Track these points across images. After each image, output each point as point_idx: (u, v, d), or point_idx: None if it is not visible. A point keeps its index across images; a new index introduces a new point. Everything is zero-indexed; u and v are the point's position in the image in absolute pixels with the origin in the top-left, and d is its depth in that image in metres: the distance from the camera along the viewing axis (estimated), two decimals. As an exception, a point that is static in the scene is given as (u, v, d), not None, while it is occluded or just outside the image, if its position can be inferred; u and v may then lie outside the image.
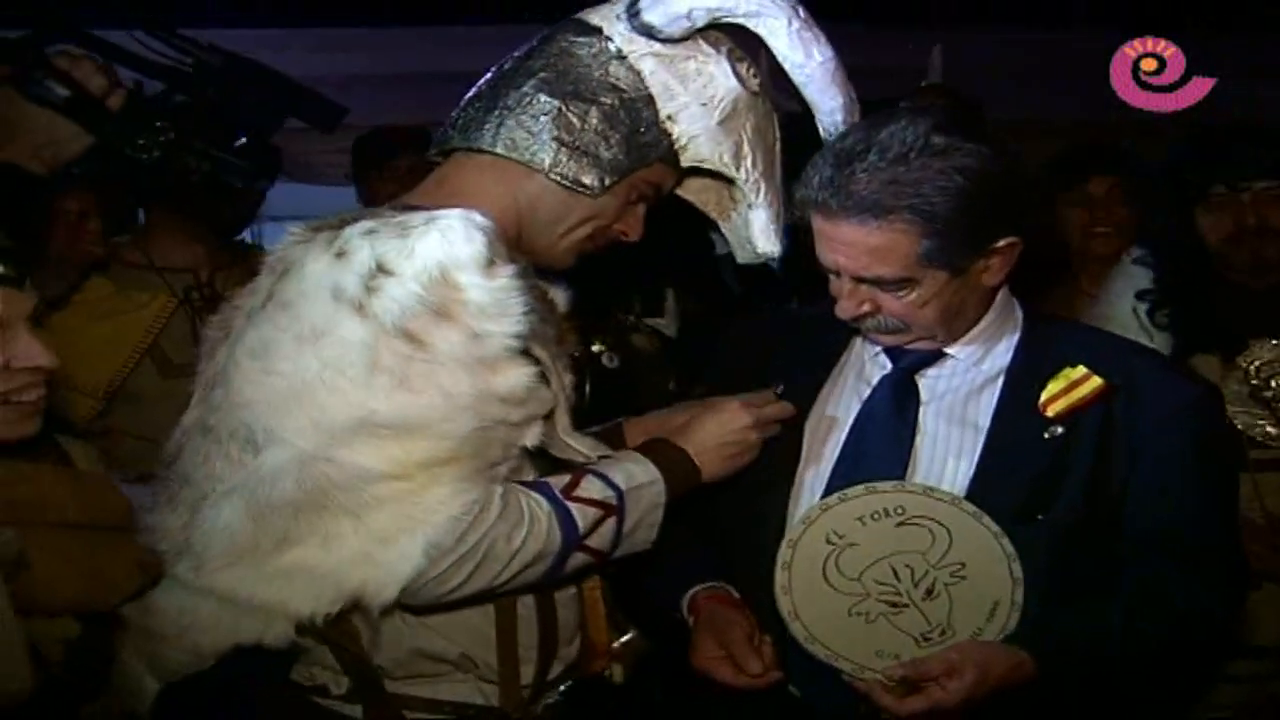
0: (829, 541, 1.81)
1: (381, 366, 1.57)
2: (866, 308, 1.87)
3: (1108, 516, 1.85)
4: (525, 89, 1.76)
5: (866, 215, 1.77)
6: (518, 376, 1.63)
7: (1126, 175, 3.19)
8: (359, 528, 1.60)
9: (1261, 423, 2.54)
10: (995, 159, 1.80)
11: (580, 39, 1.79)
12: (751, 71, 1.85)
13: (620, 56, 1.77)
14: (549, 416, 1.74)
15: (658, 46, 1.78)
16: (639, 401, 2.07)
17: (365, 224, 1.64)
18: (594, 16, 1.82)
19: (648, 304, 3.05)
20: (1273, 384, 2.54)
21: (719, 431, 1.88)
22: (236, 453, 1.65)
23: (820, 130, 1.89)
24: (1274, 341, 2.57)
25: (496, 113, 1.76)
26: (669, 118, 1.78)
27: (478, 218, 1.62)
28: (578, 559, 1.75)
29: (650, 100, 1.77)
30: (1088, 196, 3.21)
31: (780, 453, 1.93)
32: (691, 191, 1.95)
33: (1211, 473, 1.89)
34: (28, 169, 1.88)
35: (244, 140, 1.86)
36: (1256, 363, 2.55)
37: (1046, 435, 1.86)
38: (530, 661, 1.81)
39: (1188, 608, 1.83)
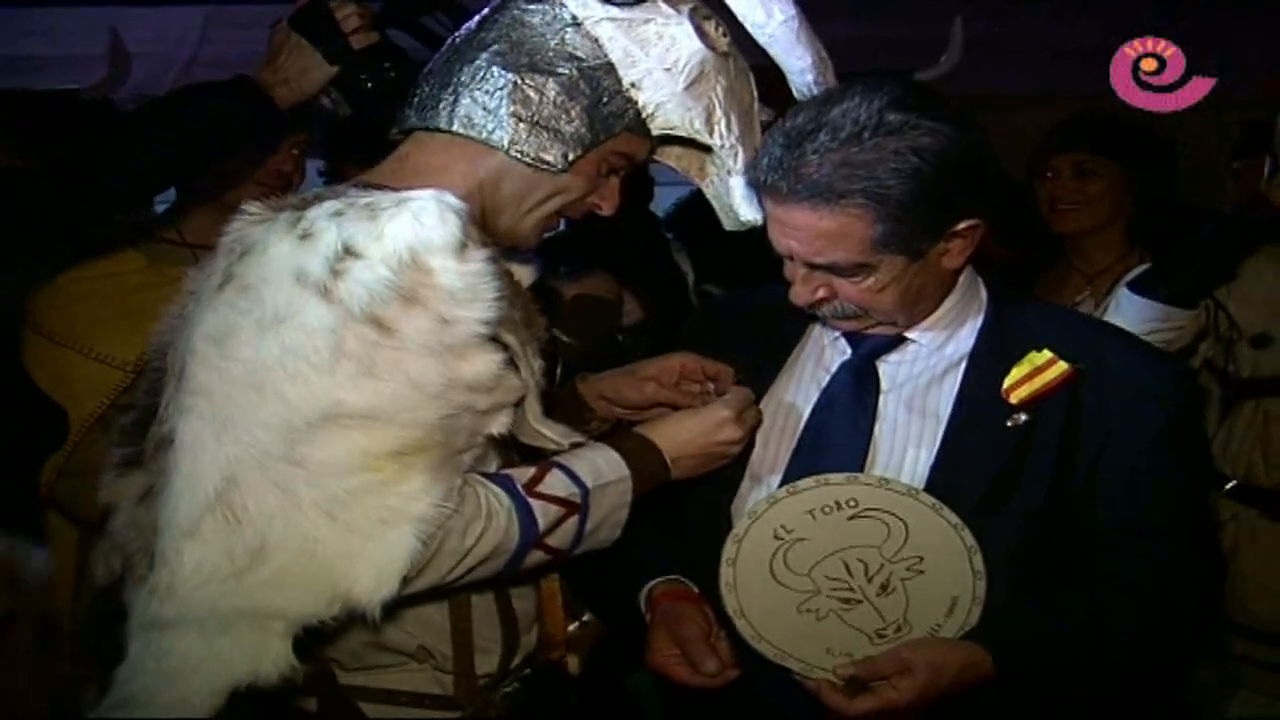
0: (776, 536, 1.75)
1: (347, 353, 1.49)
2: (822, 293, 1.79)
3: (1075, 506, 1.77)
4: (479, 63, 1.69)
5: (818, 199, 1.69)
6: (486, 363, 1.56)
7: (1111, 151, 3.10)
8: (335, 526, 1.51)
9: None
10: (955, 137, 1.70)
11: (533, 6, 1.71)
12: (720, 31, 1.76)
13: (575, 24, 1.69)
14: (518, 404, 1.68)
15: (614, 11, 1.70)
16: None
17: (331, 204, 1.57)
18: None
19: None
20: None
21: (703, 439, 1.80)
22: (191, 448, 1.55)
23: (794, 92, 1.81)
24: None
25: (451, 89, 1.69)
26: (633, 85, 1.70)
27: (451, 200, 1.55)
28: (535, 556, 1.68)
29: (611, 68, 1.69)
30: (1055, 172, 3.14)
31: None
32: (671, 158, 1.88)
33: (1183, 457, 1.80)
34: (271, 94, 2.15)
35: None
36: None
37: (1010, 423, 1.78)
38: (494, 653, 1.76)
39: (1159, 598, 1.76)
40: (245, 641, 1.52)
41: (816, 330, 1.94)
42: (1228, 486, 2.94)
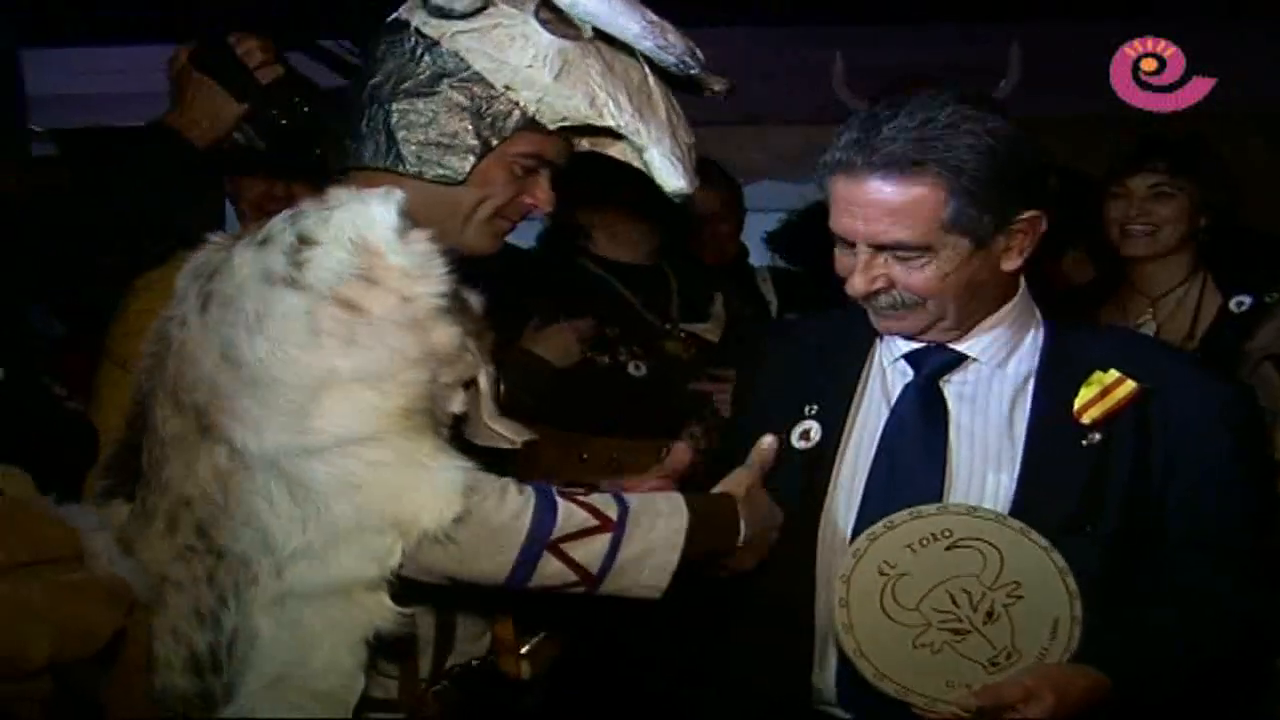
0: (881, 573, 1.73)
1: (324, 330, 1.59)
2: (880, 283, 1.79)
3: (1150, 523, 1.80)
4: (363, 100, 1.78)
5: (892, 169, 1.73)
6: (449, 335, 1.65)
7: (1191, 171, 2.96)
8: (380, 474, 1.59)
9: None
10: (1022, 134, 1.77)
11: (394, 37, 1.78)
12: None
13: (434, 43, 1.75)
14: (468, 387, 1.72)
15: (459, 24, 1.75)
16: (670, 408, 1.97)
17: (286, 212, 1.69)
18: (401, 12, 1.81)
19: (689, 309, 3.01)
20: None
21: (768, 522, 1.82)
22: (223, 456, 1.66)
23: (658, 63, 1.80)
24: None
25: (353, 132, 1.79)
26: (507, 88, 1.74)
27: (396, 193, 1.66)
28: (552, 566, 1.63)
29: (478, 77, 1.74)
30: (1129, 192, 2.99)
31: (812, 474, 1.86)
32: (614, 149, 1.87)
33: (1250, 473, 1.85)
34: (187, 138, 2.13)
35: None
36: None
37: (1085, 443, 1.80)
38: (426, 655, 1.78)
39: (1239, 611, 1.80)
40: (345, 607, 1.61)
41: (877, 355, 1.93)
42: None
